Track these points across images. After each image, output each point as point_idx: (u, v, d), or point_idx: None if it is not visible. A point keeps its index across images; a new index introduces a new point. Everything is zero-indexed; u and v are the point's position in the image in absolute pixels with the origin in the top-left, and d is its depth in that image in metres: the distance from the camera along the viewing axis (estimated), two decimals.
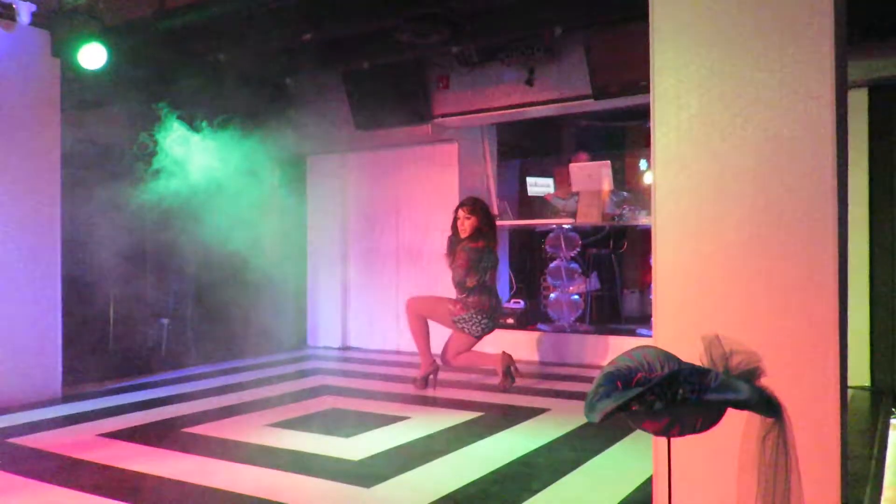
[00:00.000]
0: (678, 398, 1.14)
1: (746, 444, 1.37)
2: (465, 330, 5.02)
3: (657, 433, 1.23)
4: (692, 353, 1.53)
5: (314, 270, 7.72)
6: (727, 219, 2.21)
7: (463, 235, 4.99)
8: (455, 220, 5.09)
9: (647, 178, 7.47)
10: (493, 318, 5.08)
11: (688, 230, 2.27)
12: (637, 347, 1.34)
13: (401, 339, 6.54)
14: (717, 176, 2.26)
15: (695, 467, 2.13)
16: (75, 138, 5.81)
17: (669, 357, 1.29)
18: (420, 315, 5.14)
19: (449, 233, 5.20)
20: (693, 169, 2.28)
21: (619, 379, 1.22)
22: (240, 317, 7.16)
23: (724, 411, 1.26)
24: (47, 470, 3.24)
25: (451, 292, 6.90)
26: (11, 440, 3.80)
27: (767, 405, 1.28)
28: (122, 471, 3.23)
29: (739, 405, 1.19)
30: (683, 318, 2.23)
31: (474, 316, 4.98)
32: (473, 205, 5.06)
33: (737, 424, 1.44)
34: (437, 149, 7.00)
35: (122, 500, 2.82)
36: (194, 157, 6.68)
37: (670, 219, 2.30)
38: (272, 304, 7.37)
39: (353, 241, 7.53)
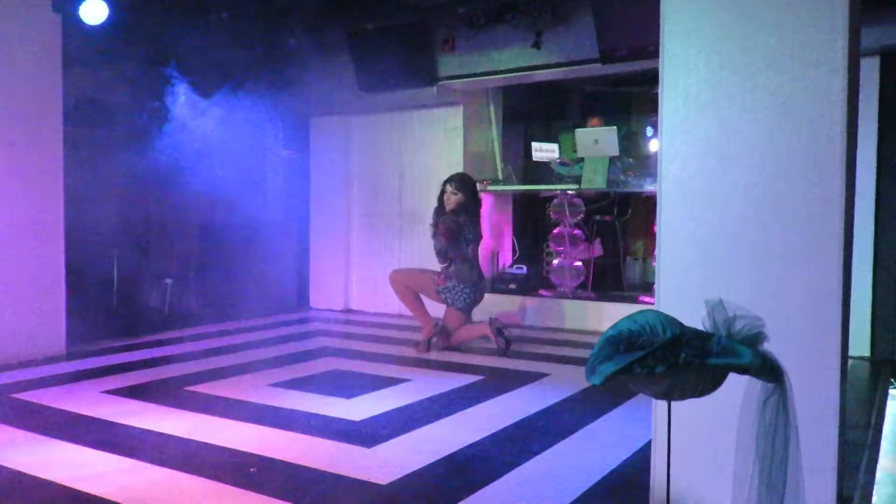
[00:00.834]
0: (680, 362, 1.14)
1: (746, 409, 1.38)
2: (449, 301, 5.10)
3: (658, 397, 1.23)
4: (694, 319, 1.53)
5: (317, 232, 7.72)
6: (733, 185, 2.19)
7: (447, 209, 5.11)
8: (442, 193, 5.20)
9: (653, 145, 7.41)
10: (476, 290, 5.18)
11: (693, 196, 2.25)
12: (639, 311, 1.34)
13: None
14: (725, 142, 2.23)
15: (694, 431, 2.14)
16: (77, 96, 5.77)
17: (672, 321, 1.28)
18: (406, 286, 5.23)
19: (435, 204, 5.32)
20: (700, 134, 2.26)
21: (620, 342, 1.22)
22: (242, 278, 7.18)
23: (726, 376, 1.27)
24: (52, 425, 3.28)
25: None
26: (17, 396, 3.84)
27: (769, 370, 1.28)
28: (126, 427, 3.27)
29: (741, 370, 1.20)
30: (686, 284, 2.22)
31: (457, 285, 5.07)
32: (462, 181, 5.18)
33: (737, 389, 1.44)
34: (442, 112, 6.94)
35: (125, 456, 2.86)
36: (197, 118, 6.64)
37: (676, 184, 2.28)
38: (275, 266, 7.39)
39: (355, 205, 7.51)
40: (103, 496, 2.45)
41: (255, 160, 7.66)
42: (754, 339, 1.26)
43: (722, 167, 2.22)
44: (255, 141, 7.52)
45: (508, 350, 5.04)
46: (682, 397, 1.21)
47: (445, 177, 6.98)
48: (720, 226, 2.21)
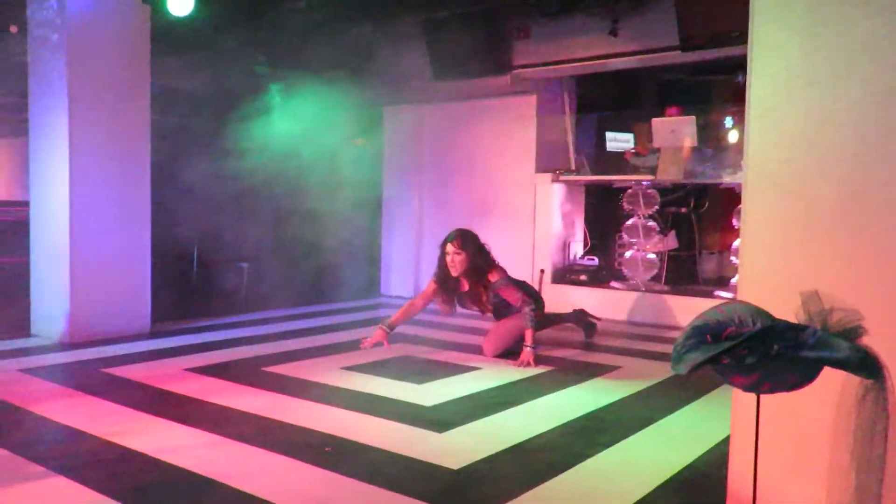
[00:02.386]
0: (771, 354, 1.10)
1: (842, 407, 1.32)
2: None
3: (746, 389, 1.19)
4: (778, 313, 1.48)
5: (389, 220, 7.81)
6: (825, 175, 2.10)
7: (454, 273, 4.54)
8: (443, 255, 4.58)
9: (732, 136, 7.18)
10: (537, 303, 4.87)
11: (781, 186, 2.17)
12: (726, 302, 1.30)
13: None
14: (815, 130, 2.13)
15: (778, 426, 2.07)
16: (162, 85, 5.98)
17: (761, 312, 1.24)
18: (507, 345, 4.70)
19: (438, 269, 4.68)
20: (789, 122, 2.17)
21: (708, 332, 1.18)
22: (315, 264, 7.34)
23: (820, 370, 1.22)
24: (138, 399, 3.44)
25: (524, 251, 6.87)
26: (106, 370, 4.04)
27: (867, 366, 1.22)
28: (206, 403, 3.40)
29: (837, 364, 1.15)
30: (770, 277, 2.15)
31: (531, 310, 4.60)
32: (463, 238, 4.55)
33: (832, 385, 1.38)
34: (515, 101, 6.90)
35: (206, 431, 2.97)
36: (276, 107, 6.80)
37: (762, 174, 2.20)
38: (347, 252, 7.52)
39: (427, 193, 7.56)
40: (185, 468, 2.55)
41: (329, 148, 7.80)
42: (851, 332, 1.21)
43: (812, 157, 2.13)
44: (330, 129, 7.66)
45: (593, 334, 5.12)
46: (773, 390, 1.17)
47: (517, 167, 6.97)
48: (809, 218, 2.12)
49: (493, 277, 4.59)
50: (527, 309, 4.47)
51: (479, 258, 4.57)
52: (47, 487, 2.37)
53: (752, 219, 2.20)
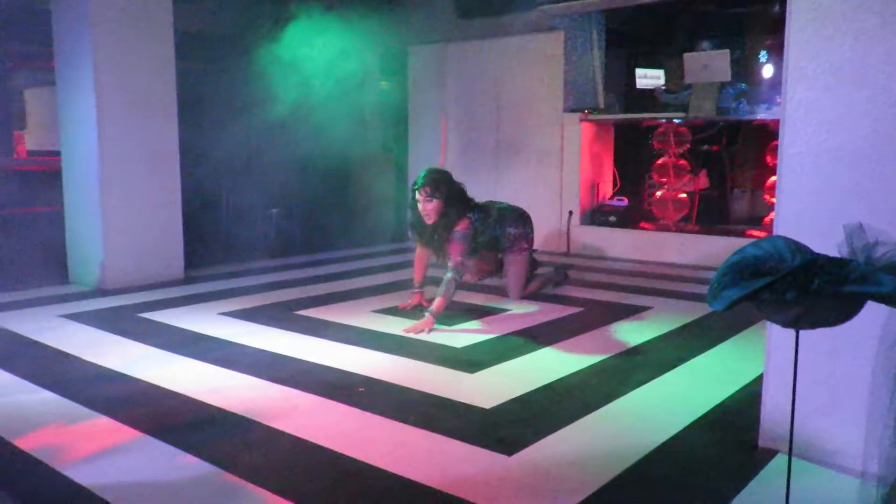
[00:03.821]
0: (812, 289, 1.08)
1: (883, 343, 1.29)
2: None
3: (785, 325, 1.17)
4: (819, 248, 1.44)
5: (414, 162, 7.76)
6: (867, 107, 2.02)
7: (428, 222, 4.08)
8: (414, 202, 4.14)
9: (767, 70, 6.95)
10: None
11: (820, 119, 2.09)
12: (765, 238, 1.27)
13: None
14: (859, 59, 2.05)
15: (819, 366, 2.05)
16: (185, 30, 5.92)
17: (800, 247, 1.21)
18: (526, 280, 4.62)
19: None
20: (831, 52, 2.08)
21: (746, 268, 1.16)
22: (343, 208, 7.35)
23: (862, 305, 1.19)
24: (176, 342, 3.52)
25: (551, 193, 6.81)
26: (144, 315, 4.13)
27: None
28: (241, 346, 3.47)
29: (880, 299, 1.12)
30: (807, 213, 2.10)
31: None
32: (433, 183, 4.05)
33: (873, 321, 1.35)
34: (542, 38, 6.73)
35: (242, 373, 3.04)
36: (301, 50, 6.71)
37: (802, 106, 2.12)
38: (374, 197, 7.52)
39: (452, 135, 7.48)
40: (223, 407, 2.62)
41: (356, 91, 7.72)
42: None
43: (855, 87, 2.05)
44: (356, 72, 7.56)
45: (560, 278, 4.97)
46: (813, 326, 1.15)
47: (544, 107, 6.83)
48: (849, 152, 2.05)
49: (459, 227, 4.09)
50: (451, 275, 3.94)
51: (451, 206, 4.07)
52: (93, 427, 2.46)
53: (790, 151, 2.14)
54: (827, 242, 1.57)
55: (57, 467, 2.12)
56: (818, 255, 1.19)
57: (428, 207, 4.04)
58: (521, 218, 4.60)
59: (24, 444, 2.30)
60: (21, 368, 3.09)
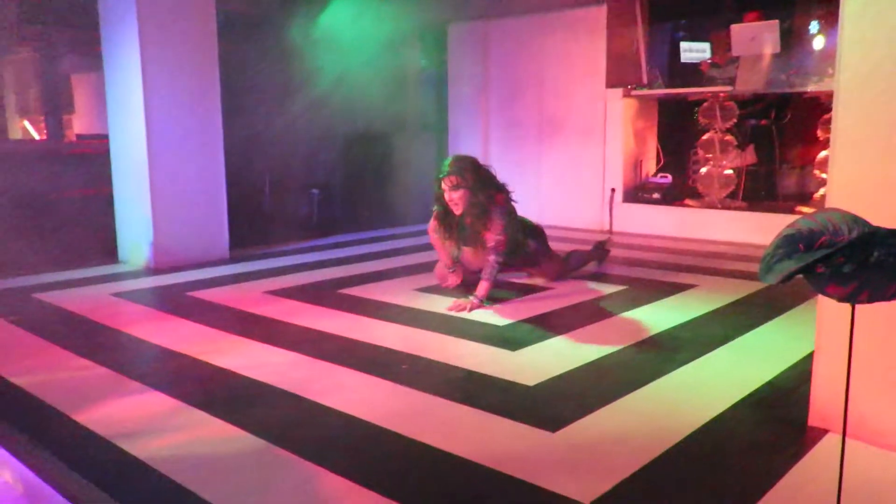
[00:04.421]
0: (871, 262, 1.05)
1: None
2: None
3: (842, 299, 1.14)
4: (874, 221, 1.40)
5: (454, 141, 7.75)
6: None
7: (457, 212, 3.89)
8: (440, 194, 3.94)
9: (818, 42, 6.72)
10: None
11: (876, 89, 2.02)
12: (819, 210, 1.24)
13: (542, 213, 6.49)
14: None
15: (873, 343, 2.00)
16: (227, 13, 5.98)
17: (857, 220, 1.18)
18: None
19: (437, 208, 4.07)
20: (889, 18, 2.00)
21: (800, 241, 1.13)
22: (384, 188, 7.39)
23: None
24: (222, 320, 3.59)
25: (594, 170, 6.72)
26: (191, 294, 4.22)
27: None
28: (287, 324, 3.52)
29: None
30: (861, 187, 2.03)
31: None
32: (459, 170, 3.84)
33: None
34: (584, 13, 6.63)
35: (287, 350, 3.09)
36: (339, 28, 6.72)
37: (857, 76, 2.05)
38: (415, 176, 7.52)
39: (493, 113, 7.43)
40: (270, 383, 2.67)
41: (395, 70, 7.71)
42: None
43: None
44: (395, 50, 7.55)
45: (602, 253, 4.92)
46: (870, 300, 1.12)
47: (587, 83, 6.73)
48: None
49: (495, 211, 3.88)
50: (493, 258, 3.84)
51: (480, 192, 3.85)
52: (145, 402, 2.53)
53: (844, 124, 2.07)
54: (883, 217, 1.52)
55: (112, 440, 2.19)
56: (877, 227, 1.15)
57: (454, 196, 3.83)
58: (541, 234, 4.37)
59: (81, 417, 2.38)
60: (77, 345, 3.19)
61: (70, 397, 2.57)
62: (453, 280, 4.27)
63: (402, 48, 7.71)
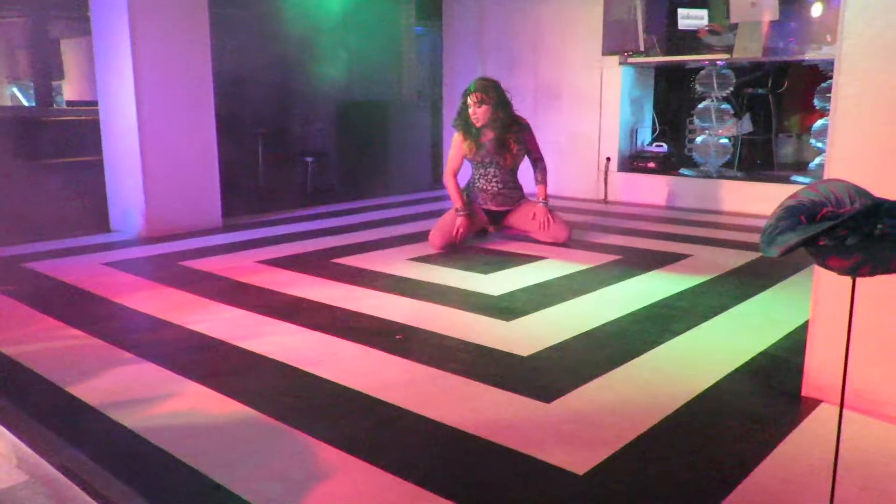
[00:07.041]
0: (875, 234, 1.03)
1: None
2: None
3: (843, 272, 1.13)
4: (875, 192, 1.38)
5: (450, 108, 7.65)
6: None
7: (478, 125, 4.46)
8: (464, 106, 4.49)
9: (817, 9, 6.63)
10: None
11: (880, 55, 1.98)
12: (822, 181, 1.21)
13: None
14: None
15: (869, 315, 1.99)
16: None
17: (860, 191, 1.15)
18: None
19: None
20: None
21: (802, 213, 1.11)
22: (378, 156, 7.32)
23: None
24: (216, 290, 3.57)
25: (589, 138, 6.66)
26: (184, 263, 4.19)
27: None
28: (280, 294, 3.50)
29: None
30: (862, 157, 2.01)
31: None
32: (483, 90, 4.43)
33: None
34: None
35: (282, 320, 3.07)
36: None
37: (860, 41, 2.01)
38: (410, 144, 7.46)
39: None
40: (264, 354, 2.66)
41: (389, 37, 7.60)
42: None
43: None
44: (390, 17, 7.43)
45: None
46: (872, 273, 1.10)
47: (583, 50, 6.65)
48: None
49: (530, 133, 4.61)
50: (543, 163, 4.63)
51: (501, 109, 4.45)
52: (138, 372, 2.52)
53: (846, 92, 2.04)
54: (884, 188, 1.49)
55: (104, 410, 2.18)
56: (881, 199, 1.13)
57: (478, 112, 4.41)
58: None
59: (72, 387, 2.36)
60: (68, 315, 3.17)
61: (61, 367, 2.55)
62: (462, 223, 4.47)
63: (399, 14, 7.59)
